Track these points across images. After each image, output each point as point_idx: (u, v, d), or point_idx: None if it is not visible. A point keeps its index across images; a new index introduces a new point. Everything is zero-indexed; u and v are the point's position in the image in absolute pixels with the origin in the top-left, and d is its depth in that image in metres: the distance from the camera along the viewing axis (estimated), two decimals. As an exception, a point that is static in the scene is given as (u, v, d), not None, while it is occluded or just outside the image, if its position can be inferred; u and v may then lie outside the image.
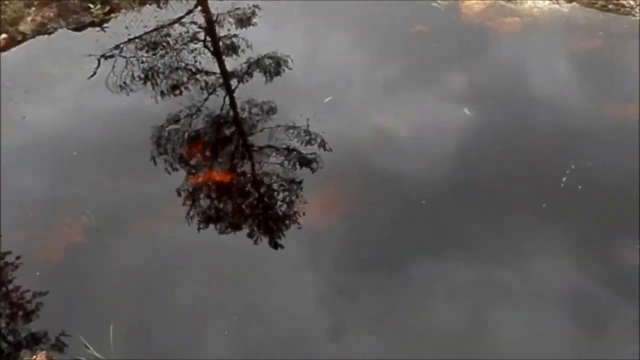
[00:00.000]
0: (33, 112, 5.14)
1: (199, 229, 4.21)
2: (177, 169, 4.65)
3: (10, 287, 3.97)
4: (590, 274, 3.72)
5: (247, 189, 4.55)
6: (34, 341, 3.63)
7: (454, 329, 3.54)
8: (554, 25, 5.61)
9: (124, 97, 5.25)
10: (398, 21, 5.84)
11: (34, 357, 3.44)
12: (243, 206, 4.44)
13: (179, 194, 4.43)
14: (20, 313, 3.80)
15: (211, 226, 4.26)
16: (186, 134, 4.90)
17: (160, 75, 5.44)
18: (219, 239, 4.20)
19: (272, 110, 5.03)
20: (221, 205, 4.44)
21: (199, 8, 6.08)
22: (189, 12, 6.02)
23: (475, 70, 5.21)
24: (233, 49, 5.68)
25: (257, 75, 5.39)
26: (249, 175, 4.61)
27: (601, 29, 5.48)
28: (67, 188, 4.54)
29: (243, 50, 5.63)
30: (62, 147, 4.81)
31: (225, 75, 5.44)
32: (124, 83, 5.36)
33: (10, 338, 3.68)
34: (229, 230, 4.26)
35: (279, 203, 4.42)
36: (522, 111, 4.79)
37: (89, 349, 3.49)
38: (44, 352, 3.45)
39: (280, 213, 4.35)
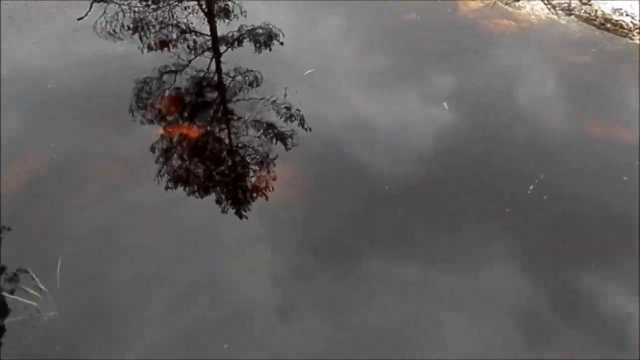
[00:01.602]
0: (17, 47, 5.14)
1: (158, 181, 4.23)
2: (151, 122, 4.67)
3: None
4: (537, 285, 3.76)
5: (215, 152, 4.57)
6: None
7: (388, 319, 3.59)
8: (548, 33, 5.62)
9: (111, 44, 5.25)
10: (394, 7, 5.84)
11: None
12: (207, 168, 4.46)
13: (149, 147, 4.45)
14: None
15: (171, 181, 4.27)
16: (167, 90, 4.91)
17: (151, 29, 5.44)
18: (175, 194, 4.20)
19: (255, 80, 5.03)
20: (185, 164, 4.45)
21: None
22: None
23: (456, 65, 5.22)
24: (226, 13, 5.66)
25: (247, 44, 5.39)
26: (219, 140, 4.62)
27: (594, 45, 5.50)
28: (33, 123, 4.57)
29: (236, 16, 5.63)
30: (38, 82, 4.83)
31: (215, 38, 5.43)
32: (113, 30, 5.36)
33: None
34: (187, 187, 4.27)
35: (241, 169, 4.44)
36: (491, 112, 4.81)
37: (34, 280, 3.55)
38: None
39: (242, 180, 4.37)
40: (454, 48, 5.41)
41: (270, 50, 5.35)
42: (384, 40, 5.55)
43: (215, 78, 5.10)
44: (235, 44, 5.39)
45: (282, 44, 5.39)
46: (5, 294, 3.48)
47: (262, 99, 4.85)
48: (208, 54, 5.27)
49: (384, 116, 4.78)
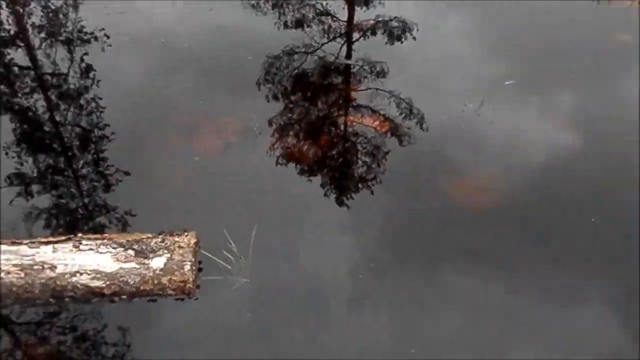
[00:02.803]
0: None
1: (273, 158, 4.40)
2: (276, 99, 4.85)
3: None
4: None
5: (329, 138, 4.65)
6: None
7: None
8: None
9: (251, 15, 5.47)
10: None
11: (185, 233, 3.57)
12: (319, 153, 4.52)
13: (268, 123, 4.64)
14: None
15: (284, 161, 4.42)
16: (295, 69, 5.07)
17: (290, 7, 5.62)
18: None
19: (382, 72, 5.07)
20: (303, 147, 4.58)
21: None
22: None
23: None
24: (366, 1, 5.73)
25: (379, 34, 5.43)
26: (336, 126, 4.74)
27: None
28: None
29: (374, 6, 5.66)
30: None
31: (350, 24, 5.51)
32: (257, 3, 5.58)
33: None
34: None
35: (350, 161, 4.51)
36: None
37: (230, 244, 3.67)
38: (193, 232, 3.59)
39: (349, 171, 4.44)
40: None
41: (403, 46, 5.34)
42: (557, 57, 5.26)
43: (343, 65, 5.19)
44: (369, 33, 5.44)
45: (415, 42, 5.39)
46: (204, 251, 3.61)
47: (390, 92, 4.89)
48: (340, 40, 5.37)
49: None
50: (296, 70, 5.07)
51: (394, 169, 4.37)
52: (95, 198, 4.16)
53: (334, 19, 5.54)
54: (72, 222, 4.00)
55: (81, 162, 4.40)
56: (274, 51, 5.15)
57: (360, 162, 4.48)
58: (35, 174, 4.26)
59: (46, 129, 4.63)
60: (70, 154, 4.44)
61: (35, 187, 4.17)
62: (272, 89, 4.91)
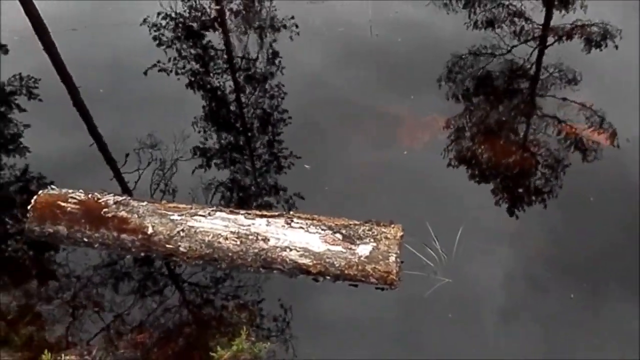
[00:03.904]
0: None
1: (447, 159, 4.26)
2: (456, 99, 4.68)
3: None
4: None
5: (508, 145, 4.36)
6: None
7: None
8: None
9: (437, 11, 5.34)
10: None
11: (392, 225, 3.53)
12: (495, 156, 4.28)
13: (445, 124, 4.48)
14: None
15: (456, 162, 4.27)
16: (479, 70, 4.84)
17: (481, 5, 5.37)
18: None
19: (574, 80, 4.66)
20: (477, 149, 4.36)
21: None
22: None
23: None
24: (565, 3, 5.29)
25: (576, 39, 4.98)
26: (516, 133, 4.44)
27: None
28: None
29: (574, 10, 5.22)
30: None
31: (546, 27, 5.13)
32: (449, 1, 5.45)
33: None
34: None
35: (528, 172, 4.19)
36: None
37: (435, 242, 3.62)
38: (400, 224, 3.54)
39: (526, 182, 4.15)
40: None
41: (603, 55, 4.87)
42: None
43: (533, 70, 4.85)
44: (564, 38, 5.03)
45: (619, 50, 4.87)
46: (407, 245, 3.60)
47: (582, 103, 4.49)
48: (532, 44, 5.02)
49: None
50: (481, 72, 4.83)
51: (575, 185, 4.03)
52: (279, 178, 4.29)
53: (528, 21, 5.20)
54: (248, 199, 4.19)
55: (279, 148, 4.51)
56: (460, 50, 4.96)
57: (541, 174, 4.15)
58: (218, 149, 4.52)
59: (232, 108, 4.91)
60: (264, 137, 4.67)
61: (216, 161, 4.42)
62: (453, 88, 4.74)
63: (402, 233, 3.51)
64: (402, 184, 4.05)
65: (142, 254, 3.67)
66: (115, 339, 3.40)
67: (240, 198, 4.19)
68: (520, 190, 4.10)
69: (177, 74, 5.08)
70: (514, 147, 4.34)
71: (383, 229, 3.49)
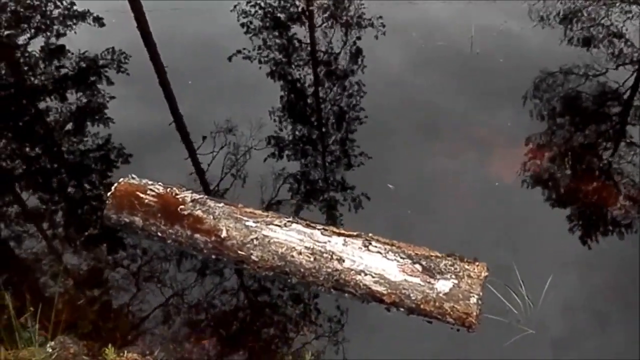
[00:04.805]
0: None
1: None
2: (558, 130, 4.41)
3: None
4: None
5: (618, 190, 4.00)
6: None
7: None
8: None
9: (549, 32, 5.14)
10: None
11: (476, 262, 3.31)
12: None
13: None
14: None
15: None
16: (568, 90, 4.63)
17: (579, 23, 5.14)
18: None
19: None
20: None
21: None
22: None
23: None
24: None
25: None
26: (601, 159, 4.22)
27: None
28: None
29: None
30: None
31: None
32: (546, 15, 5.23)
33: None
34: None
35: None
36: None
37: (521, 287, 3.34)
38: (484, 263, 3.32)
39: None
40: None
41: None
42: None
43: (626, 94, 4.60)
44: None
45: None
46: (489, 286, 3.32)
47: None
48: (629, 67, 4.75)
49: None
50: (570, 92, 4.62)
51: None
52: (358, 194, 4.09)
53: (628, 43, 4.92)
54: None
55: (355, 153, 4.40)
56: (571, 82, 4.71)
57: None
58: (290, 140, 4.54)
59: (308, 101, 4.92)
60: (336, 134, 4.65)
61: (287, 152, 4.44)
62: (556, 119, 4.48)
63: (486, 273, 3.27)
64: (490, 218, 3.79)
65: (213, 257, 3.60)
66: (177, 341, 3.38)
67: (307, 192, 4.18)
68: (629, 242, 3.67)
69: (260, 62, 5.14)
70: (628, 191, 4.00)
71: (466, 266, 3.26)
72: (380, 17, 5.41)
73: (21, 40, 5.61)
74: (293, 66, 5.15)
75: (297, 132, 4.62)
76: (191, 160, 4.41)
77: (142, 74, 5.13)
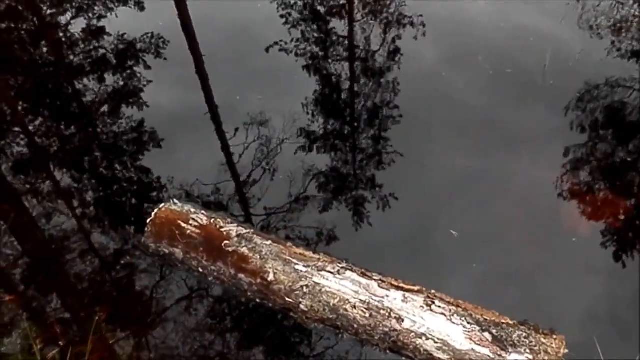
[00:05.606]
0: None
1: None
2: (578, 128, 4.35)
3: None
4: None
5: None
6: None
7: None
8: None
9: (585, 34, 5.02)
10: None
11: (554, 336, 2.92)
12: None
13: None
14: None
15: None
16: (610, 104, 4.49)
17: (630, 32, 4.98)
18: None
19: None
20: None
21: None
22: None
23: None
24: None
25: None
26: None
27: None
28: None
29: None
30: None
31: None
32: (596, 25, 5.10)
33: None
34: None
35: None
36: None
37: None
38: (562, 336, 2.93)
39: None
40: None
41: None
42: None
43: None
44: None
45: None
46: None
47: None
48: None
49: None
50: (616, 105, 4.49)
51: None
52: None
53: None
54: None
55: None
56: (595, 78, 4.61)
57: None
58: (320, 135, 4.51)
59: (343, 96, 4.87)
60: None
61: (316, 145, 4.41)
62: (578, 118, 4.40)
63: (565, 350, 2.88)
64: (567, 281, 3.39)
65: (258, 300, 3.34)
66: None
67: (335, 186, 4.14)
68: None
69: (296, 55, 5.11)
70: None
71: (542, 339, 2.86)
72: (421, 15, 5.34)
73: (63, 20, 5.68)
74: (330, 61, 5.11)
75: (329, 127, 4.58)
76: (223, 151, 4.42)
77: (180, 60, 5.14)
